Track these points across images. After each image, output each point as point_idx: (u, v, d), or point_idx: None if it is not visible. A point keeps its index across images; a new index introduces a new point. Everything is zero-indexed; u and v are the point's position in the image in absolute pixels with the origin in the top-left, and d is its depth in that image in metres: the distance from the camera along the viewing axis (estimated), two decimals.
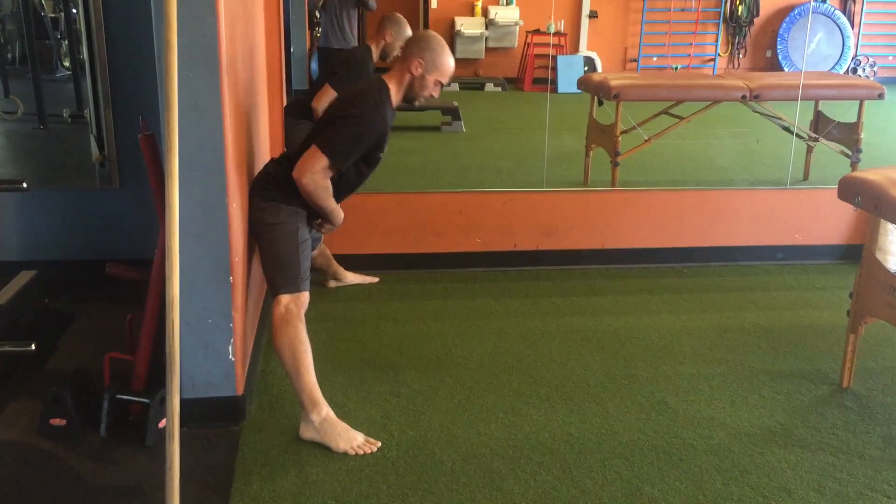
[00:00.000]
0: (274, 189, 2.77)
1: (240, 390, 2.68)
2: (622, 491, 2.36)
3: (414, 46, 2.86)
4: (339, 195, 2.92)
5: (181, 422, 2.12)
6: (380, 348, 3.28)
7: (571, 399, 2.89)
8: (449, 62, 2.88)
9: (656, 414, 2.80)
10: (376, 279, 4.02)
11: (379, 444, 2.54)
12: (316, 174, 2.72)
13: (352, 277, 3.97)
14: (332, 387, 2.91)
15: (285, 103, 4.23)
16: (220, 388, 2.64)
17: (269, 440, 2.60)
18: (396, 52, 4.19)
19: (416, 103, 3.00)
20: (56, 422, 2.57)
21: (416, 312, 3.66)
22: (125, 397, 2.61)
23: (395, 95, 2.87)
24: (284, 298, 2.63)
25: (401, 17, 4.13)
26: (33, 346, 2.65)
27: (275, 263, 2.70)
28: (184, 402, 2.25)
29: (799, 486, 2.40)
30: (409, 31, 4.12)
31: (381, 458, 2.50)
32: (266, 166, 2.97)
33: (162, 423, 2.52)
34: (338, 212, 2.87)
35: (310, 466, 2.45)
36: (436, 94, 2.95)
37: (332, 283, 3.93)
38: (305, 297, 2.68)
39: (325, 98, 3.99)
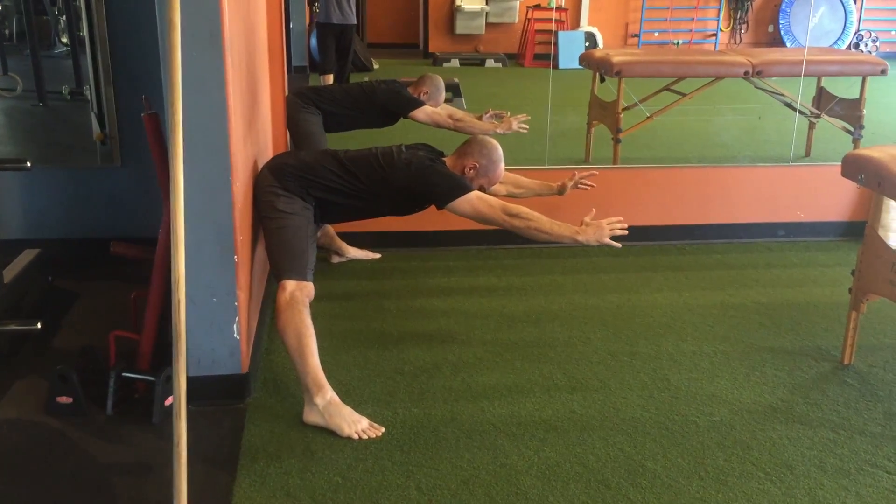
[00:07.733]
0: (295, 182, 2.79)
1: (245, 368, 2.69)
2: (624, 467, 2.39)
3: (475, 149, 3.01)
4: (365, 213, 3.06)
5: (187, 400, 2.14)
6: (383, 326, 3.29)
7: (574, 376, 2.91)
8: (498, 175, 3.05)
9: (658, 391, 2.82)
10: (378, 255, 4.03)
11: (383, 429, 2.55)
12: (490, 208, 2.78)
13: (354, 252, 3.99)
14: (336, 364, 2.93)
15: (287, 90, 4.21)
16: (225, 366, 2.65)
17: (275, 418, 2.61)
18: None
19: None
20: (63, 400, 2.59)
21: (419, 290, 3.67)
22: (131, 375, 2.63)
23: None
24: (290, 284, 2.62)
25: (441, 82, 4.17)
26: (38, 325, 2.66)
27: (282, 250, 2.70)
28: (189, 380, 2.26)
29: (800, 462, 2.43)
30: (443, 97, 4.17)
31: (386, 436, 2.52)
32: (288, 156, 2.99)
33: (168, 401, 2.54)
34: (558, 226, 2.73)
35: (315, 444, 2.47)
36: None
37: (335, 259, 3.95)
38: (311, 287, 2.66)
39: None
